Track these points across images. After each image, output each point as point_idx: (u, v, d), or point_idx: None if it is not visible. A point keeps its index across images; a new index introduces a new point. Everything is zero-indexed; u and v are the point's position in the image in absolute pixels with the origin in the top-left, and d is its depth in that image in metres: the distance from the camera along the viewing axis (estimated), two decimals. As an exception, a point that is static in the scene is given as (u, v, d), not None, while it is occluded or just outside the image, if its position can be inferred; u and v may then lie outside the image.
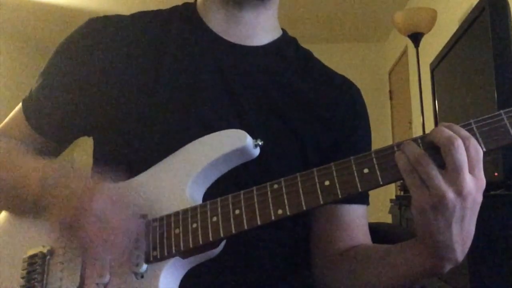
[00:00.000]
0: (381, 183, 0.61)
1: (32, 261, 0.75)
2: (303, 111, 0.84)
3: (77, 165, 0.74)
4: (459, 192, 0.57)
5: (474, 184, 0.58)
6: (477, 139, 0.58)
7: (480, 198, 0.59)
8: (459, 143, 0.57)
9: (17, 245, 0.78)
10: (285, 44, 0.91)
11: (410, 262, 0.67)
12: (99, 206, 0.65)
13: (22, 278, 0.74)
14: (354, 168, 0.62)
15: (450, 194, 0.57)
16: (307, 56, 0.92)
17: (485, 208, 1.20)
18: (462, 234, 0.61)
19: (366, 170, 0.61)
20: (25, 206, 0.77)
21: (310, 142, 0.83)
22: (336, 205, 0.84)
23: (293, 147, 0.82)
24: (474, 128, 0.59)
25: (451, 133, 0.58)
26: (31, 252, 0.76)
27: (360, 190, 0.61)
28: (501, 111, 0.59)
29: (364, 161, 0.62)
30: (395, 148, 0.61)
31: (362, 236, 0.85)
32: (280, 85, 0.85)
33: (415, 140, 0.61)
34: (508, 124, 0.58)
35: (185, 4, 0.92)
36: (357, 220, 0.85)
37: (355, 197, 0.61)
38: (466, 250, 0.63)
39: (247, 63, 0.85)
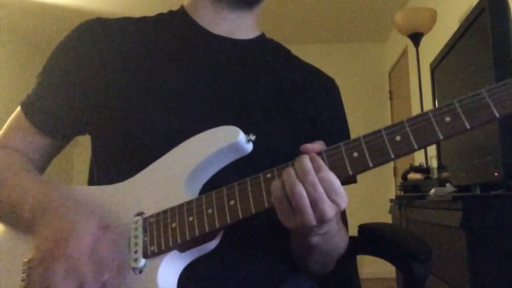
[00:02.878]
0: (370, 165, 0.64)
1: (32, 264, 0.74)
2: (290, 99, 0.89)
3: (69, 195, 0.75)
4: (322, 220, 0.63)
5: (329, 203, 0.63)
6: (461, 117, 0.60)
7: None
8: (298, 190, 0.62)
9: (17, 249, 0.78)
10: (266, 41, 0.98)
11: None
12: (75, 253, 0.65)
13: (23, 281, 0.74)
14: (344, 153, 0.64)
15: (314, 222, 0.63)
16: (287, 51, 0.99)
17: (485, 208, 1.21)
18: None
19: (355, 154, 0.64)
20: (19, 225, 0.78)
21: (298, 126, 0.87)
22: None
23: (284, 133, 0.85)
24: (458, 108, 0.61)
25: (290, 182, 0.63)
26: (31, 255, 0.76)
27: (350, 173, 0.64)
28: (483, 89, 0.60)
29: (353, 146, 0.65)
30: (383, 132, 0.64)
31: None
32: (267, 74, 0.90)
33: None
34: (489, 101, 0.60)
35: (170, 11, 0.97)
36: None
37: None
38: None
39: (235, 53, 0.90)
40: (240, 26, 0.92)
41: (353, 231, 0.96)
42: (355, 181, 0.78)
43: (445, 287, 1.33)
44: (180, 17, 0.93)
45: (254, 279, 0.79)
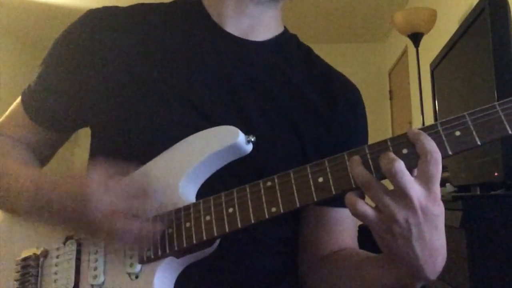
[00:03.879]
0: (375, 177, 0.59)
1: (25, 263, 0.74)
2: (304, 108, 0.84)
3: (72, 170, 0.73)
4: (409, 209, 0.56)
5: (426, 197, 0.57)
6: (471, 132, 0.57)
7: (436, 210, 0.58)
8: (396, 168, 0.56)
9: (11, 247, 0.78)
10: (286, 41, 0.91)
11: (382, 278, 0.66)
12: (97, 193, 0.64)
13: (16, 280, 0.74)
14: (347, 164, 0.61)
15: (401, 214, 0.57)
16: (308, 52, 0.92)
17: (485, 208, 1.21)
18: (427, 252, 0.59)
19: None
20: (22, 207, 0.76)
21: (309, 138, 0.82)
22: (324, 207, 0.83)
23: (292, 142, 0.82)
24: (469, 121, 0.58)
25: (389, 157, 0.57)
26: (25, 254, 0.75)
27: (353, 186, 0.60)
28: (495, 103, 0.57)
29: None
30: (389, 143, 0.60)
31: (348, 240, 0.84)
32: (281, 81, 0.85)
33: (364, 156, 0.60)
34: (502, 116, 0.57)
35: None
36: (344, 224, 0.84)
37: (343, 200, 0.61)
38: (439, 267, 0.61)
39: (249, 58, 0.85)
40: (261, 23, 0.86)
41: (353, 231, 0.95)
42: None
43: (445, 287, 1.33)
44: (193, 8, 0.87)
45: (251, 282, 0.78)
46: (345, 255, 0.80)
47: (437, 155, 0.57)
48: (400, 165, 0.56)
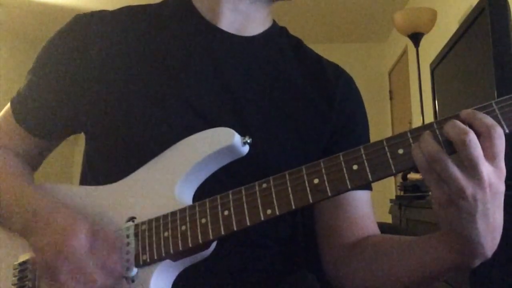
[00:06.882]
0: (370, 179, 0.60)
1: (23, 267, 0.74)
2: (300, 101, 0.83)
3: (60, 201, 0.74)
4: (478, 185, 0.55)
5: (494, 174, 0.56)
6: (499, 121, 0.56)
7: (502, 187, 0.57)
8: (470, 138, 0.54)
9: (8, 251, 0.77)
10: (276, 34, 0.91)
11: (438, 256, 0.64)
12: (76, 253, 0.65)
13: (14, 285, 0.73)
14: (343, 165, 0.60)
15: (469, 189, 0.55)
16: (298, 44, 0.92)
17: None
18: (489, 229, 0.58)
19: (355, 167, 0.60)
20: (14, 228, 0.76)
21: (307, 132, 0.82)
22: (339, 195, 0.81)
23: (291, 138, 0.81)
24: (496, 109, 0.57)
25: (461, 127, 0.55)
26: (22, 258, 0.75)
27: (349, 187, 0.60)
28: (492, 101, 0.57)
29: (353, 158, 0.60)
30: (385, 143, 0.59)
31: (371, 224, 0.82)
32: (275, 75, 0.85)
33: (432, 129, 0.58)
34: (499, 115, 0.56)
35: None
36: (363, 208, 0.82)
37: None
38: (496, 244, 0.61)
39: (243, 54, 0.84)
40: (254, 20, 0.86)
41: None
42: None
43: (445, 287, 1.33)
44: (183, 7, 0.87)
45: (249, 283, 0.77)
46: (384, 238, 0.78)
47: (500, 129, 0.55)
48: (474, 137, 0.55)
